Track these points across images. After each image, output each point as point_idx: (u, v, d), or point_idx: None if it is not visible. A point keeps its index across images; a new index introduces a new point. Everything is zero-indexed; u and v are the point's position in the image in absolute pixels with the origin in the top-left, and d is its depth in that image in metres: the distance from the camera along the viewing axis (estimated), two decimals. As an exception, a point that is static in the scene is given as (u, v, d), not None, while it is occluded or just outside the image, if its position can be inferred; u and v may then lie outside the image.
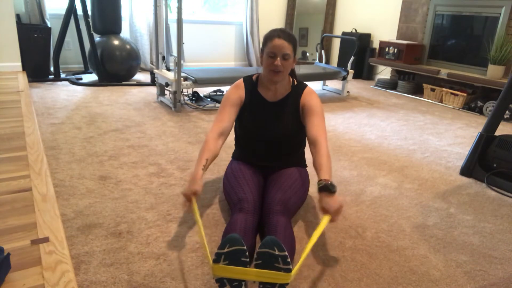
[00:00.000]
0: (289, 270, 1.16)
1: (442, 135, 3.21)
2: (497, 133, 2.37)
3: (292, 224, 1.64)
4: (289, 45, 1.59)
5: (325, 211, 1.37)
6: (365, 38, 5.49)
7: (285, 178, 1.67)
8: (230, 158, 1.99)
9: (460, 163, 2.59)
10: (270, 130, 1.74)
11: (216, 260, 1.17)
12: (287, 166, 1.78)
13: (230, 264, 1.17)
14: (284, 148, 1.78)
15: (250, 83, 1.78)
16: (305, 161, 1.90)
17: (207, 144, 1.60)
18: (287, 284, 1.18)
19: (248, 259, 1.19)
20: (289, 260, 1.16)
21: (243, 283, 1.20)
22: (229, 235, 1.20)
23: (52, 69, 4.37)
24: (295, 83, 1.77)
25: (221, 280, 1.19)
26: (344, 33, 5.69)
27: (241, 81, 1.79)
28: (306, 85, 1.78)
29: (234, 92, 1.74)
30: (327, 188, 1.39)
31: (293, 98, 1.74)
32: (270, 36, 1.61)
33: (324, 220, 1.35)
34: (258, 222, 1.52)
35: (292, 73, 1.78)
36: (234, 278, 1.18)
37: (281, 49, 1.58)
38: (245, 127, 1.76)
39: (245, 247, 1.18)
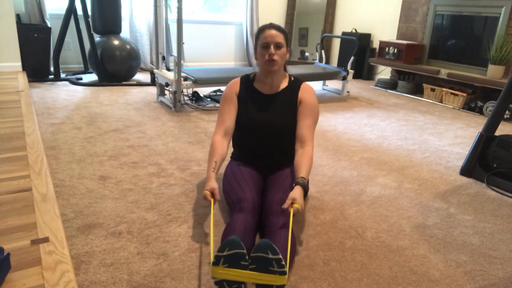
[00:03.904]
0: (284, 273, 1.16)
1: (442, 135, 3.21)
2: (497, 133, 2.37)
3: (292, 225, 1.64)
4: (280, 34, 1.67)
5: (294, 200, 1.45)
6: (365, 38, 5.49)
7: (284, 178, 1.67)
8: (229, 159, 1.99)
9: (460, 163, 2.59)
10: (266, 122, 1.74)
11: (215, 263, 1.17)
12: (286, 165, 1.78)
13: (230, 267, 1.17)
14: (281, 143, 1.77)
15: (246, 79, 1.83)
16: None
17: (214, 147, 1.67)
18: (283, 286, 1.18)
19: (247, 262, 1.19)
20: (283, 263, 1.16)
21: (243, 285, 1.20)
22: (229, 237, 1.19)
23: (52, 69, 4.37)
24: (292, 79, 1.82)
25: (220, 282, 1.19)
26: (344, 33, 5.69)
27: (237, 78, 1.84)
28: (303, 81, 1.82)
29: (229, 91, 1.80)
30: (305, 187, 1.52)
31: (291, 92, 1.78)
32: (262, 29, 1.69)
33: (292, 212, 1.45)
34: (258, 222, 1.52)
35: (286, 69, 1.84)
36: (233, 280, 1.18)
37: (274, 38, 1.65)
38: (242, 121, 1.77)
39: (244, 251, 1.18)
